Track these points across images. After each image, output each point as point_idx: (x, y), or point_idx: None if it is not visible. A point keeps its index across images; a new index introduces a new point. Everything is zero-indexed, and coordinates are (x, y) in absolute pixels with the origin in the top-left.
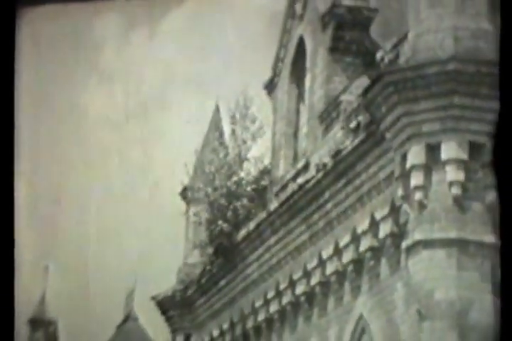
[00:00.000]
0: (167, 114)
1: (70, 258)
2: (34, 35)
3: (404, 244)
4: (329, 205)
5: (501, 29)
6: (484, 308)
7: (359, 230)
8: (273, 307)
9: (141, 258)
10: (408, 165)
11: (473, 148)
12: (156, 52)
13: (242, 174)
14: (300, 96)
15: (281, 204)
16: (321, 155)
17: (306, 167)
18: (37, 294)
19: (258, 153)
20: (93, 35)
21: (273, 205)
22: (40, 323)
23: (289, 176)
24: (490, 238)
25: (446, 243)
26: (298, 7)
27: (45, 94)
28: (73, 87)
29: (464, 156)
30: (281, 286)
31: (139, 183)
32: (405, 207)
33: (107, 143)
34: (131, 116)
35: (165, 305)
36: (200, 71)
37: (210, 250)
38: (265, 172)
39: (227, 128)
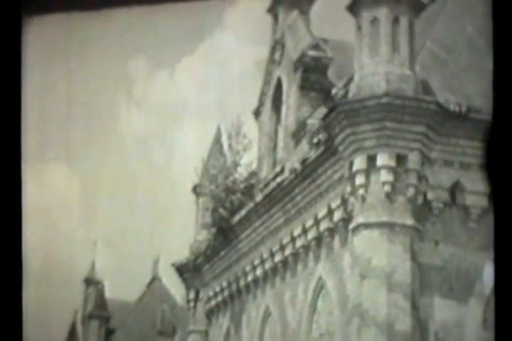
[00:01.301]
0: (182, 132)
1: (113, 236)
2: (41, 44)
3: (350, 226)
4: (298, 198)
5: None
6: (405, 271)
7: (319, 216)
8: (258, 271)
9: (164, 236)
10: (354, 170)
11: (399, 158)
12: (175, 87)
13: (237, 175)
14: (278, 120)
15: (265, 198)
16: (293, 162)
17: (282, 171)
18: (89, 262)
19: (248, 160)
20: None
21: (258, 198)
22: (91, 282)
23: (270, 177)
24: (410, 221)
25: (379, 225)
26: (277, 56)
27: (52, 103)
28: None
29: (393, 164)
30: (264, 256)
31: (163, 183)
32: (352, 199)
33: (137, 155)
34: (155, 133)
35: (181, 270)
36: (207, 102)
37: (213, 230)
38: (253, 174)
39: (225, 143)
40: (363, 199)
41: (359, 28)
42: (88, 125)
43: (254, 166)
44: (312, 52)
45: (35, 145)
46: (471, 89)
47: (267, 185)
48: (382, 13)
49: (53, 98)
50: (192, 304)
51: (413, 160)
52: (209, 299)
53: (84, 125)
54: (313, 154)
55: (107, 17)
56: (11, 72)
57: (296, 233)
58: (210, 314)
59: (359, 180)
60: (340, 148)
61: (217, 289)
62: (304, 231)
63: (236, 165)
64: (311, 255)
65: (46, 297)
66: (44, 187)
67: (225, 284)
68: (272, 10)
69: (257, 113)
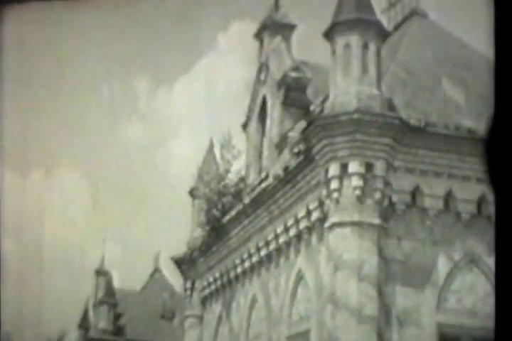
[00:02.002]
0: (180, 142)
1: (119, 234)
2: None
3: (326, 224)
4: (281, 200)
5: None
6: (373, 264)
7: (299, 216)
8: (246, 264)
9: (164, 233)
10: (329, 176)
11: (368, 166)
12: (173, 102)
13: (227, 181)
14: (263, 133)
15: (252, 200)
16: (276, 170)
17: (266, 177)
18: (99, 256)
19: (237, 168)
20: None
21: (246, 200)
22: (101, 273)
23: (256, 182)
24: (377, 220)
25: (351, 224)
26: (262, 76)
27: (32, 98)
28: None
29: (362, 171)
30: (252, 250)
31: (163, 186)
32: (327, 202)
33: (140, 162)
34: (156, 142)
35: (179, 263)
36: (201, 116)
37: (207, 228)
38: (241, 180)
39: (217, 152)
40: (337, 201)
41: (333, 52)
42: (98, 135)
43: (242, 173)
44: (293, 74)
45: (48, 155)
46: (427, 106)
47: (253, 189)
48: (354, 39)
49: (53, 105)
50: (189, 292)
51: (380, 167)
52: (203, 288)
53: (93, 135)
54: (293, 162)
55: (92, 6)
56: None
57: (279, 231)
58: (205, 301)
59: (333, 184)
60: (317, 157)
61: (211, 279)
62: (286, 229)
63: (227, 171)
64: (292, 249)
65: (63, 286)
66: (59, 192)
67: (217, 275)
68: (259, 35)
69: (245, 126)
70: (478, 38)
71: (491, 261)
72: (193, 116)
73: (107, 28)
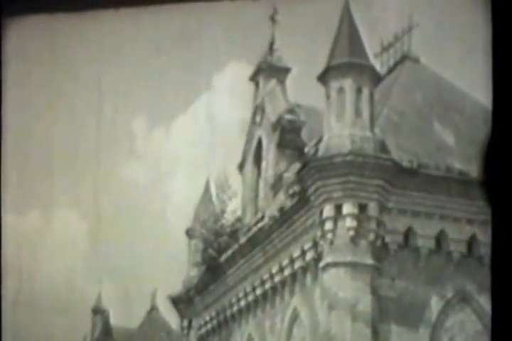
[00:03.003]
0: (177, 182)
1: (117, 272)
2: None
3: (320, 264)
4: (276, 241)
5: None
6: (366, 303)
7: (294, 256)
8: (242, 303)
9: (161, 272)
10: (323, 217)
11: (361, 207)
12: (170, 142)
13: (224, 221)
14: (259, 174)
15: (248, 240)
16: (272, 210)
17: (262, 217)
18: (96, 294)
19: (233, 208)
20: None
21: (242, 240)
22: (98, 311)
23: (252, 223)
24: (370, 261)
25: (345, 264)
26: (258, 118)
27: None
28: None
29: (356, 212)
30: (247, 290)
31: (160, 226)
32: (322, 242)
33: (137, 201)
34: (153, 182)
35: (176, 301)
36: (198, 156)
37: (203, 267)
38: (238, 220)
39: (214, 193)
40: (331, 242)
41: (328, 95)
42: (95, 174)
43: (238, 213)
44: (288, 116)
45: (44, 192)
46: (419, 149)
47: (249, 229)
48: (348, 83)
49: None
50: (186, 331)
51: (373, 208)
52: (200, 327)
53: (91, 174)
54: (289, 203)
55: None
56: None
57: (274, 270)
58: (202, 339)
59: (328, 225)
60: (312, 198)
61: (208, 318)
62: (281, 269)
63: (223, 212)
64: (287, 289)
65: (60, 324)
66: (56, 229)
67: (214, 314)
68: (254, 78)
69: (240, 167)
70: (468, 82)
71: (481, 300)
72: (189, 156)
73: (104, 63)
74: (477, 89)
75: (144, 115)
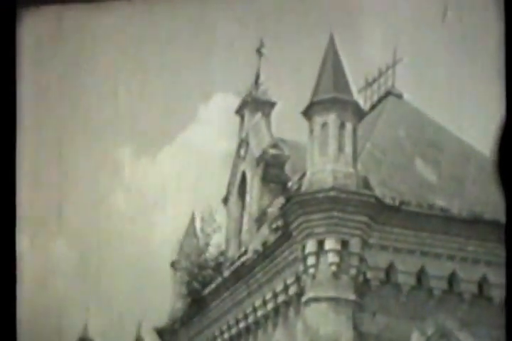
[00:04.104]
0: (162, 214)
1: (103, 303)
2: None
3: (303, 299)
4: (259, 275)
5: None
6: (348, 338)
7: (277, 290)
8: (226, 335)
9: (146, 304)
10: (306, 252)
11: (344, 243)
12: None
13: (208, 254)
14: (243, 207)
15: (231, 274)
16: (255, 244)
17: (246, 251)
18: (82, 324)
19: (217, 241)
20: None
21: (226, 274)
22: None
23: (236, 256)
24: (352, 296)
25: (327, 299)
26: (242, 152)
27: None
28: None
29: (338, 248)
30: (231, 322)
31: (145, 259)
32: (304, 277)
33: (122, 232)
34: (139, 214)
35: (161, 333)
36: (183, 188)
37: (188, 300)
38: (221, 253)
39: (198, 226)
40: (314, 277)
41: (311, 130)
42: (81, 203)
43: (222, 247)
44: (272, 151)
45: (32, 220)
46: (401, 186)
47: (233, 263)
48: (331, 118)
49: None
50: None
51: (355, 244)
52: None
53: (77, 203)
54: (272, 238)
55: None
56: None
57: (257, 304)
58: None
59: (310, 260)
60: (295, 233)
61: None
62: (264, 302)
63: (207, 245)
64: (270, 323)
65: None
66: (42, 258)
67: None
68: (239, 111)
69: (225, 200)
70: (449, 118)
71: (461, 336)
72: (174, 188)
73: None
74: (459, 125)
75: (130, 145)
